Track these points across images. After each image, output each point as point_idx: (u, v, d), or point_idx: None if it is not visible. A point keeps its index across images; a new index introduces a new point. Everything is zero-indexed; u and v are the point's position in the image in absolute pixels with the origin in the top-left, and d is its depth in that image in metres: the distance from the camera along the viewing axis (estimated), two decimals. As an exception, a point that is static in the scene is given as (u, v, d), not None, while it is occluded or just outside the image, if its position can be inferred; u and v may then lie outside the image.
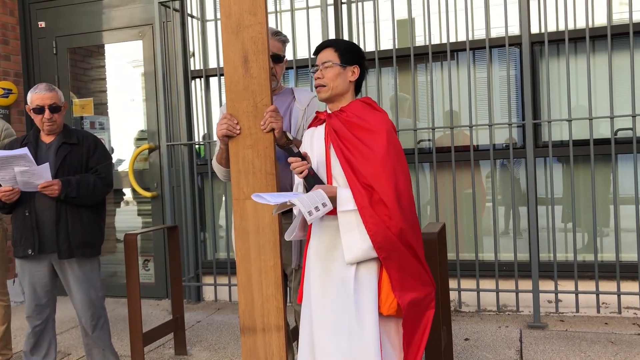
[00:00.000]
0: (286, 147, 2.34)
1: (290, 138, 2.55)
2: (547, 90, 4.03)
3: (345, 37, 4.68)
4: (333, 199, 2.14)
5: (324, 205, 2.08)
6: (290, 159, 2.25)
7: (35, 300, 3.11)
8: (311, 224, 2.32)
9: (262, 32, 2.45)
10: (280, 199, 2.13)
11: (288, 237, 2.37)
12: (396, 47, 4.32)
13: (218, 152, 2.66)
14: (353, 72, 2.31)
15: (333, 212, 2.16)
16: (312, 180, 2.23)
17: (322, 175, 2.27)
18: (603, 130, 4.14)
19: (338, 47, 2.32)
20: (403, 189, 2.16)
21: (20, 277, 3.15)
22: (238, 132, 2.49)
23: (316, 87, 2.33)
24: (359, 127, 2.22)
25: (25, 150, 2.84)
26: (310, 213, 2.05)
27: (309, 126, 2.45)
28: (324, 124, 2.31)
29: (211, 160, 2.78)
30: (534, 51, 4.20)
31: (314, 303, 2.23)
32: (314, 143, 2.32)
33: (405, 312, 2.14)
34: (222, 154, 2.62)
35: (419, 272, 2.19)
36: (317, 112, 2.41)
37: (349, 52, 2.32)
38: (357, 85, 2.37)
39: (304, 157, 2.23)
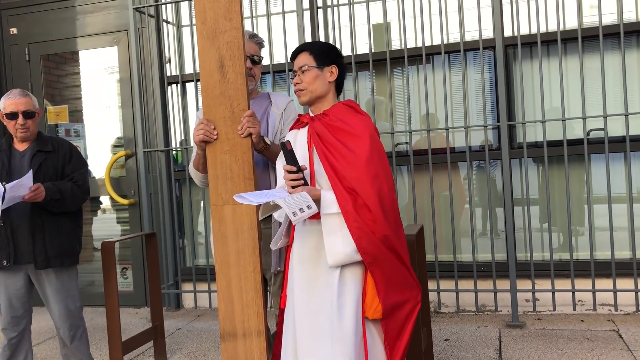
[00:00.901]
0: (288, 153, 2.23)
1: (268, 142, 2.55)
2: (521, 93, 4.10)
3: (322, 42, 4.70)
4: (317, 202, 2.13)
5: (308, 207, 2.06)
6: (285, 167, 2.19)
7: (11, 312, 3.06)
8: (293, 228, 2.32)
9: (238, 37, 2.45)
10: (263, 199, 2.11)
11: (274, 246, 2.36)
12: (372, 51, 4.35)
13: (195, 157, 2.65)
14: (331, 72, 2.31)
15: (316, 215, 2.15)
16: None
17: (305, 179, 2.27)
18: (576, 131, 4.22)
19: (312, 50, 2.32)
20: (386, 193, 2.16)
21: (-5, 289, 3.09)
22: (215, 137, 2.48)
23: (296, 92, 2.32)
24: (342, 131, 2.21)
25: (29, 176, 2.80)
26: (294, 214, 2.03)
27: (291, 128, 2.44)
28: (307, 127, 2.31)
29: (189, 166, 2.75)
30: (507, 54, 4.27)
31: (297, 307, 2.23)
32: (296, 146, 2.31)
33: (386, 315, 2.14)
34: (199, 160, 2.61)
35: (404, 276, 2.20)
36: (300, 115, 2.41)
37: (324, 53, 2.32)
38: (338, 86, 2.37)
39: (299, 169, 2.18)
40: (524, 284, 4.15)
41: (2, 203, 2.77)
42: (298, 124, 2.39)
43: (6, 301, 3.05)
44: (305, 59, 2.31)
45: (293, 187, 2.16)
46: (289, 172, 2.17)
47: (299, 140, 2.33)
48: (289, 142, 2.20)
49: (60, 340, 3.16)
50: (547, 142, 4.04)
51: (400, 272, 2.17)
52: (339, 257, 2.13)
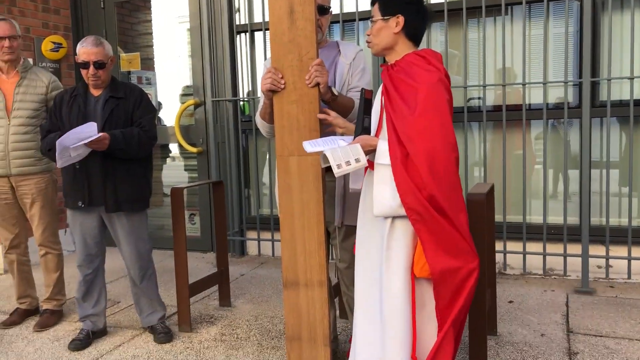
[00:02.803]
0: (363, 101, 2.22)
1: (335, 93, 2.49)
2: (608, 46, 3.81)
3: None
4: (374, 151, 2.12)
5: (357, 160, 2.03)
6: (320, 116, 2.27)
7: (85, 250, 3.21)
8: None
9: None
10: (317, 148, 2.11)
11: (356, 186, 2.43)
12: (447, 0, 4.15)
13: (262, 107, 2.63)
14: (397, 23, 2.20)
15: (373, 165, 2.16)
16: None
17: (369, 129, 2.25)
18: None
19: (379, 0, 2.24)
20: (440, 152, 2.03)
21: (71, 228, 3.24)
22: (282, 86, 2.44)
23: (366, 44, 2.28)
24: (403, 82, 2.13)
25: (93, 125, 2.88)
26: (339, 166, 2.01)
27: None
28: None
29: (256, 115, 2.74)
30: (595, 4, 3.96)
31: (357, 254, 2.30)
32: (376, 102, 2.28)
33: (436, 280, 2.06)
34: (265, 109, 2.58)
35: (456, 241, 2.06)
36: (382, 65, 2.33)
37: (387, 2, 2.21)
38: (411, 35, 2.24)
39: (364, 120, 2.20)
40: (596, 250, 3.97)
41: (70, 149, 2.87)
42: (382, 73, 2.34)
43: (81, 240, 3.20)
44: (374, 9, 2.25)
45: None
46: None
47: (377, 96, 2.29)
48: (370, 91, 2.16)
49: (130, 280, 3.31)
50: (635, 101, 3.76)
51: (451, 236, 2.05)
52: (384, 209, 2.10)
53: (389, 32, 2.22)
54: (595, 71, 4.00)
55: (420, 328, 2.12)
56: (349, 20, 4.58)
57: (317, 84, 2.39)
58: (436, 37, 4.50)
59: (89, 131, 2.88)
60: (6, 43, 3.40)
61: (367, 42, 2.28)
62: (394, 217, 2.11)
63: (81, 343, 3.19)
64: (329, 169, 2.54)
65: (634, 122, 3.85)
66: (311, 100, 2.42)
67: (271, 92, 2.47)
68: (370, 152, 2.13)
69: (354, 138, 2.20)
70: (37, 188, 3.51)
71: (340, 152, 2.05)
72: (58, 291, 3.67)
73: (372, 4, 2.28)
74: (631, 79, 3.74)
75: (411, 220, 2.05)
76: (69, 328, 3.50)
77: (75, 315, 3.58)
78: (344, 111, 2.52)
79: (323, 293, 2.48)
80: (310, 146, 2.14)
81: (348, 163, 2.02)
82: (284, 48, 2.44)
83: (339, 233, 2.67)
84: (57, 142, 2.85)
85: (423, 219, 2.03)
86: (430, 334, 2.13)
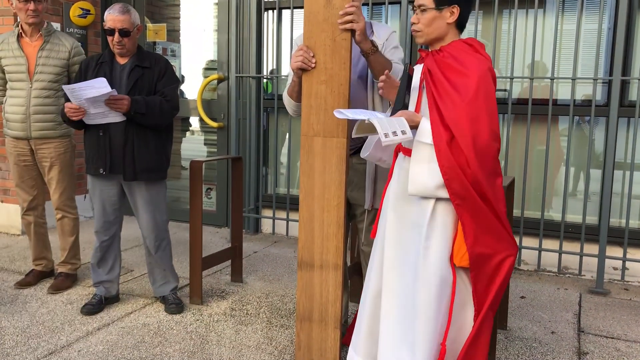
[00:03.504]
0: (405, 76, 2.17)
1: (377, 45, 2.40)
2: (641, 46, 3.73)
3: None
4: (414, 129, 2.08)
5: (403, 132, 1.97)
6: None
7: (103, 217, 3.24)
8: (393, 166, 2.30)
9: None
10: (359, 116, 2.05)
11: (363, 154, 2.37)
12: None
13: (290, 84, 2.60)
14: (452, 13, 2.15)
15: (407, 151, 2.12)
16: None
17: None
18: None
19: None
20: (485, 138, 2.02)
21: (91, 194, 3.28)
22: (313, 65, 2.41)
23: (412, 32, 2.21)
24: (452, 68, 2.09)
25: (102, 80, 2.88)
26: (386, 135, 1.95)
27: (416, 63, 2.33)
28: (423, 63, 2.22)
29: (284, 93, 2.72)
30: (632, 1, 3.86)
31: (388, 240, 2.23)
32: (414, 82, 2.24)
33: (474, 266, 2.06)
34: (293, 87, 2.56)
35: (496, 228, 2.07)
36: (419, 50, 2.29)
37: None
38: (460, 24, 2.21)
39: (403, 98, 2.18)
40: (613, 251, 3.92)
41: (84, 100, 2.90)
42: (419, 59, 2.28)
43: (100, 206, 3.23)
44: None
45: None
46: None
47: (415, 77, 2.24)
48: (412, 68, 2.13)
49: (145, 249, 3.34)
50: (664, 103, 3.69)
51: (491, 222, 2.07)
52: (419, 188, 2.08)
53: (442, 23, 2.16)
54: (626, 69, 3.91)
55: (454, 316, 2.13)
56: (377, 4, 4.53)
57: (352, 30, 2.32)
58: (467, 27, 4.42)
59: (100, 86, 2.88)
60: (31, 6, 3.39)
61: (416, 30, 2.18)
62: (435, 207, 2.09)
63: (93, 308, 3.24)
64: (356, 152, 2.53)
65: (662, 124, 3.77)
66: (341, 82, 2.39)
67: (301, 71, 2.44)
68: (411, 128, 2.08)
69: (394, 112, 2.15)
70: (56, 152, 3.54)
71: (387, 121, 1.98)
72: (73, 255, 3.72)
73: None
74: (663, 79, 3.66)
75: (454, 205, 2.04)
76: (83, 292, 3.56)
77: (89, 280, 3.64)
78: (381, 70, 2.42)
79: (338, 276, 2.48)
80: (348, 114, 2.07)
81: (395, 134, 1.96)
82: (317, 27, 2.40)
83: (368, 216, 2.66)
84: (64, 87, 2.90)
85: (466, 203, 2.03)
86: (463, 321, 2.14)
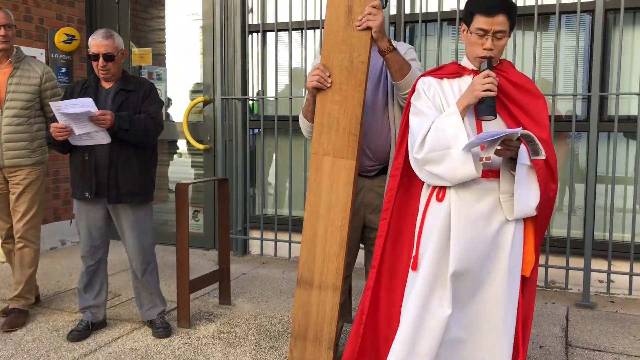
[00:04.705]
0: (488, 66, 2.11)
1: (394, 46, 2.39)
2: (618, 62, 3.81)
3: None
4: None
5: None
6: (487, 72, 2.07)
7: (90, 241, 3.23)
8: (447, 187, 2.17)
9: None
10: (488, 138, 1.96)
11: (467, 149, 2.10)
12: (460, 8, 4.15)
13: (305, 104, 2.60)
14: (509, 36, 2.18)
15: (485, 174, 2.11)
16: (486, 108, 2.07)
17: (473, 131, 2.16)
18: (675, 107, 3.91)
19: (511, 12, 2.11)
20: (555, 154, 2.18)
21: (77, 218, 3.26)
22: (329, 85, 2.41)
23: (482, 57, 2.13)
24: (523, 88, 2.17)
25: (89, 100, 2.89)
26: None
27: (434, 76, 2.24)
28: (467, 79, 2.19)
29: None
30: (607, 19, 3.96)
31: (460, 266, 2.11)
32: (453, 96, 2.18)
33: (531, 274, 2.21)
34: (308, 106, 2.56)
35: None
36: (457, 65, 2.25)
37: (515, 16, 2.15)
38: None
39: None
40: (598, 264, 3.96)
41: (73, 123, 2.90)
42: (448, 73, 2.23)
43: (86, 231, 3.22)
44: (503, 22, 2.10)
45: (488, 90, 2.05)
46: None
47: (455, 89, 2.21)
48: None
49: (132, 273, 3.32)
50: (642, 117, 3.77)
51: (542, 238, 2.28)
52: (525, 210, 2.10)
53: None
54: (604, 86, 4.00)
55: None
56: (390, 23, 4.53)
57: (369, 28, 2.32)
58: (447, 46, 4.50)
59: (87, 104, 2.87)
60: (1, 32, 3.35)
61: (489, 57, 2.12)
62: (516, 225, 2.15)
63: (80, 334, 3.21)
64: (378, 174, 2.60)
65: (641, 138, 3.84)
66: (355, 104, 2.40)
67: (316, 90, 2.44)
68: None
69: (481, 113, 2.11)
70: (28, 179, 3.47)
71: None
72: (29, 289, 3.52)
73: (497, 13, 2.08)
74: (639, 94, 3.73)
75: (537, 221, 2.16)
76: (69, 318, 3.52)
77: (75, 306, 3.60)
78: (399, 71, 2.39)
79: (336, 298, 2.47)
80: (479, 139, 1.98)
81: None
82: (336, 47, 2.42)
83: None
84: (51, 103, 2.91)
85: (543, 219, 2.18)
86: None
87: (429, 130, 2.10)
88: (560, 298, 3.96)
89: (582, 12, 3.92)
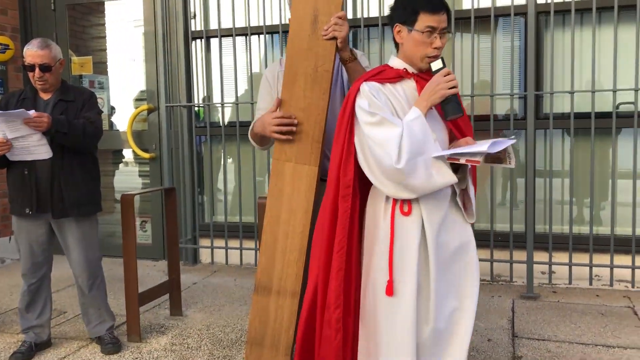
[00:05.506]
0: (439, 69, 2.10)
1: (357, 57, 2.42)
2: (550, 62, 3.98)
3: None
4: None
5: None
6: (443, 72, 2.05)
7: (31, 259, 3.12)
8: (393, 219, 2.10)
9: None
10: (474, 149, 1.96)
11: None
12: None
13: (256, 123, 2.58)
14: None
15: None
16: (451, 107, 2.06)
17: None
18: (605, 104, 4.10)
19: (449, 12, 2.12)
20: None
21: (17, 235, 3.15)
22: (294, 129, 2.43)
23: (432, 56, 2.10)
24: None
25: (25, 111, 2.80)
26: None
27: (377, 80, 2.15)
28: (409, 83, 2.15)
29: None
30: (539, 21, 4.13)
31: (440, 275, 2.09)
32: (401, 101, 2.12)
33: None
34: (256, 134, 2.57)
35: None
36: (398, 69, 2.17)
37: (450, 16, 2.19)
38: None
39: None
40: (541, 256, 4.11)
41: (10, 137, 2.81)
42: (389, 78, 2.14)
43: (27, 248, 3.11)
44: (445, 20, 2.09)
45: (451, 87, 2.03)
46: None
47: (406, 97, 2.14)
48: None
49: (78, 289, 3.23)
50: (575, 114, 3.94)
51: None
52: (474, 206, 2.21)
53: None
54: (539, 85, 4.16)
55: None
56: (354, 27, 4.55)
57: (334, 38, 2.34)
58: (390, 49, 4.58)
59: (22, 114, 2.78)
60: None
61: (436, 56, 2.10)
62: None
63: (23, 356, 3.08)
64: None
65: (574, 133, 4.01)
66: (319, 112, 2.41)
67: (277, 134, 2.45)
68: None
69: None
70: None
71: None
72: None
73: (441, 11, 2.08)
74: (572, 93, 3.91)
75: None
76: (10, 340, 3.40)
77: (17, 327, 3.47)
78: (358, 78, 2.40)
79: (294, 304, 2.47)
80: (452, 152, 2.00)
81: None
82: (301, 54, 2.43)
83: None
84: None
85: None
86: None
87: (402, 138, 1.99)
88: (506, 291, 4.09)
89: (515, 14, 4.06)
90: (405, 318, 2.05)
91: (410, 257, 2.05)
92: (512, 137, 2.12)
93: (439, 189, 2.05)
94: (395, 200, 2.09)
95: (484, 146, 1.93)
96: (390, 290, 2.05)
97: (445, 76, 2.05)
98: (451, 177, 2.01)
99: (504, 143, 1.97)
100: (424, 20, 2.07)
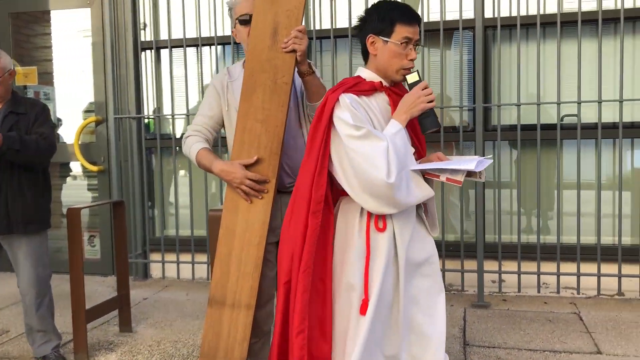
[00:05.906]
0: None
1: (314, 69, 2.43)
2: (498, 75, 4.10)
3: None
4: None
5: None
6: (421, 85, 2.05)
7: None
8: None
9: (299, 9, 2.38)
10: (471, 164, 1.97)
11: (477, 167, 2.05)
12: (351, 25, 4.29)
13: (201, 151, 2.50)
14: None
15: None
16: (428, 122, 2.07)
17: None
18: (550, 116, 4.24)
19: (420, 23, 2.13)
20: None
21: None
22: (261, 196, 2.41)
23: (407, 68, 2.10)
24: None
25: None
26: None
27: (354, 93, 2.09)
28: (381, 96, 2.13)
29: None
30: (486, 35, 4.25)
31: (404, 294, 2.07)
32: (376, 113, 2.10)
33: None
34: (200, 160, 2.50)
35: None
36: (372, 81, 2.13)
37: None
38: None
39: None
40: (491, 265, 4.20)
41: None
42: (364, 90, 2.11)
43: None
44: (419, 32, 2.11)
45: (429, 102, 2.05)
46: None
47: (380, 109, 2.11)
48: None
49: (24, 307, 3.09)
50: (522, 126, 4.06)
51: None
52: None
53: None
54: (487, 97, 4.27)
55: None
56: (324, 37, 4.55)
57: (294, 51, 2.34)
58: (344, 61, 4.62)
59: None
60: None
61: (410, 68, 2.11)
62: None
63: (-38, 378, 2.95)
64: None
65: (521, 145, 4.13)
66: (277, 124, 2.39)
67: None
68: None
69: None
70: None
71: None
72: None
73: (416, 23, 2.08)
74: (518, 105, 4.03)
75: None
76: (-50, 361, 3.24)
77: (-44, 347, 3.31)
78: (316, 93, 2.42)
79: (249, 317, 2.44)
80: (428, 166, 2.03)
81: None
82: (260, 66, 2.41)
83: None
84: None
85: None
86: None
87: (388, 151, 1.95)
88: (458, 300, 4.15)
89: (464, 28, 4.17)
90: (378, 336, 2.03)
91: (384, 275, 2.02)
92: (489, 156, 2.18)
93: (417, 203, 2.04)
94: (370, 216, 2.04)
95: (469, 164, 1.94)
96: (364, 310, 2.00)
97: (423, 89, 2.06)
98: (430, 191, 2.03)
99: (486, 162, 2.02)
100: (400, 31, 2.06)
